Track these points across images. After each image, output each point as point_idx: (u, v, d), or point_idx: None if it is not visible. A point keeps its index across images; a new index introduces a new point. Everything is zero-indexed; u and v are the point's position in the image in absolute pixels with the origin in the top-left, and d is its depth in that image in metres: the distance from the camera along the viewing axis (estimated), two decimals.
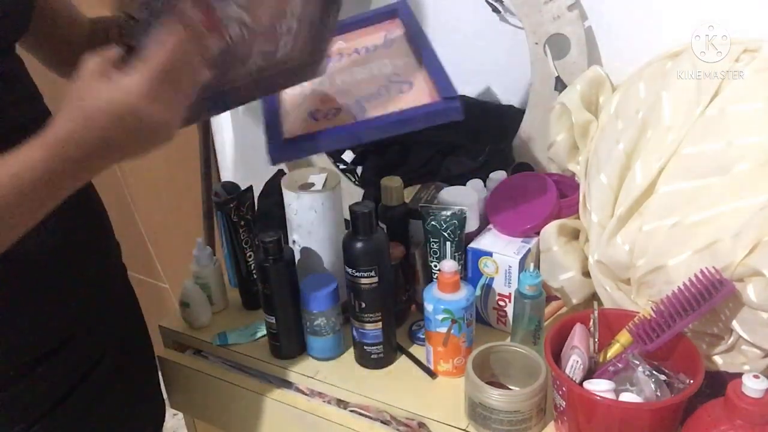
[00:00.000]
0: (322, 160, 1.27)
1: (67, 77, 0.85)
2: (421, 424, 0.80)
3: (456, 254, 0.90)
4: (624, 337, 0.75)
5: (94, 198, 0.86)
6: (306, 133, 0.85)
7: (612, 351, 0.76)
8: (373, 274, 0.83)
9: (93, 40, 0.83)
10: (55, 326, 0.74)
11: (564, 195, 0.96)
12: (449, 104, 0.81)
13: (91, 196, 0.85)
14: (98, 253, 0.83)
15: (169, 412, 1.00)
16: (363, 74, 0.93)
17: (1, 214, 0.54)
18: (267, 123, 0.88)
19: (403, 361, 0.91)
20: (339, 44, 1.00)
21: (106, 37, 0.83)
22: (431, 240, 0.90)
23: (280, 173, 1.18)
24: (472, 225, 0.93)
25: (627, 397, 0.69)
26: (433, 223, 0.89)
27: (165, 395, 1.03)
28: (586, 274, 0.92)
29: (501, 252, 0.89)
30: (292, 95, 0.93)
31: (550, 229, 0.92)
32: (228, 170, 1.65)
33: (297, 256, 0.93)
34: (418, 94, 0.86)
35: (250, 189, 1.03)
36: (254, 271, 1.01)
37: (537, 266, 0.92)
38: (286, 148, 0.84)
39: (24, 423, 0.73)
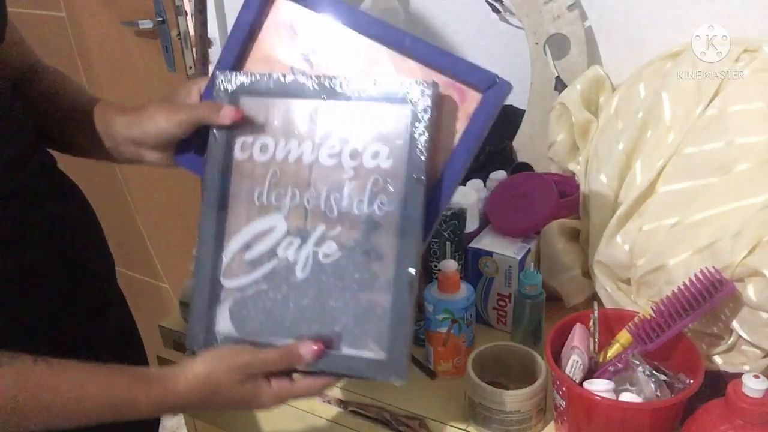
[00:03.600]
0: None
1: None
2: (421, 424, 0.80)
3: (456, 254, 0.90)
4: (624, 337, 0.75)
5: (91, 216, 0.84)
6: None
7: (612, 351, 0.76)
8: None
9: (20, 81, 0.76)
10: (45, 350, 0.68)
11: (564, 195, 0.96)
12: (501, 90, 0.63)
13: (87, 211, 0.83)
14: (94, 274, 0.81)
15: None
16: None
17: (52, 414, 0.58)
18: None
19: None
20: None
21: (30, 80, 0.76)
22: (431, 240, 0.90)
23: None
24: (472, 225, 0.93)
25: (627, 397, 0.69)
26: None
27: None
28: (586, 274, 0.92)
29: (501, 252, 0.89)
30: None
31: (550, 229, 0.92)
32: None
33: None
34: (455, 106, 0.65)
35: None
36: None
37: (537, 266, 0.92)
38: None
39: None
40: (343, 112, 0.65)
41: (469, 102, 0.65)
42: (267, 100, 0.68)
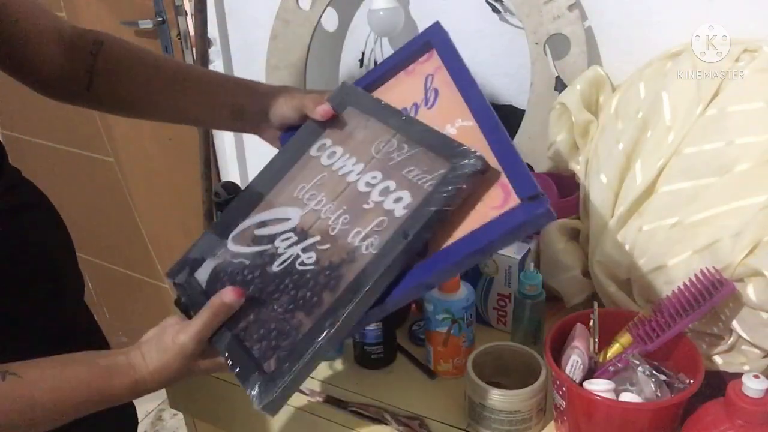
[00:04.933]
0: None
1: (37, 86, 0.77)
2: (422, 424, 0.80)
3: None
4: (624, 337, 0.75)
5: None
6: None
7: (612, 351, 0.76)
8: None
9: (73, 53, 0.76)
10: None
11: (564, 195, 0.96)
12: (536, 208, 0.57)
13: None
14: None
15: (169, 411, 1.00)
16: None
17: (35, 422, 0.58)
18: None
19: (403, 361, 0.91)
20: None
21: (91, 53, 0.76)
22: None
23: None
24: None
25: (627, 397, 0.69)
26: None
27: (165, 395, 1.03)
28: (586, 274, 0.92)
29: (501, 252, 0.89)
30: None
31: (550, 229, 0.92)
32: (228, 170, 1.65)
33: None
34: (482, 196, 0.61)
35: None
36: None
37: (537, 266, 0.92)
38: None
39: None
40: (404, 151, 0.67)
41: (507, 205, 0.60)
42: (364, 116, 0.73)
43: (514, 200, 0.59)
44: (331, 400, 0.86)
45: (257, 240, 0.70)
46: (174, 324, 0.65)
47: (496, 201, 0.60)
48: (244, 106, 0.79)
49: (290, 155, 0.74)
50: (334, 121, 0.75)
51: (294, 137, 0.76)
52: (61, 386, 0.59)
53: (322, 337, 0.59)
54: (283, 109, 0.77)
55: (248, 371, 0.62)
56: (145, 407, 1.93)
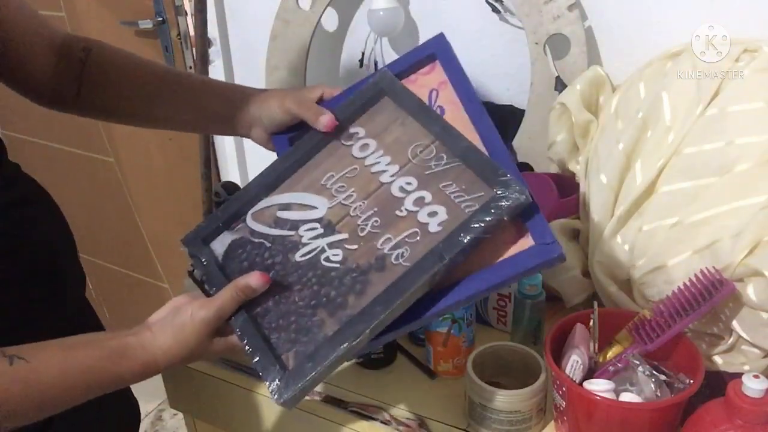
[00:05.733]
0: None
1: (27, 94, 0.77)
2: (421, 424, 0.80)
3: None
4: (624, 337, 0.75)
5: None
6: None
7: (612, 351, 0.76)
8: None
9: (63, 61, 0.76)
10: None
11: (564, 195, 0.96)
12: (552, 252, 0.59)
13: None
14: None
15: (169, 411, 0.99)
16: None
17: (44, 406, 0.58)
18: None
19: (403, 361, 0.91)
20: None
21: (80, 60, 0.76)
22: None
23: None
24: None
25: (627, 397, 0.69)
26: None
27: (165, 395, 1.03)
28: (586, 274, 0.92)
29: None
30: None
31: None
32: (228, 170, 1.65)
33: None
34: (502, 238, 0.61)
35: None
36: None
37: None
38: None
39: None
40: (443, 163, 0.66)
41: (519, 245, 0.62)
42: (401, 112, 0.71)
43: (528, 239, 0.61)
44: (330, 400, 0.86)
45: (279, 222, 0.70)
46: (187, 303, 0.64)
47: (509, 234, 0.62)
48: (228, 113, 0.78)
49: (319, 138, 0.73)
50: (367, 110, 0.73)
51: None
52: (70, 370, 0.58)
53: (345, 345, 0.60)
54: (274, 111, 0.76)
55: (268, 362, 0.62)
56: (145, 407, 1.92)
